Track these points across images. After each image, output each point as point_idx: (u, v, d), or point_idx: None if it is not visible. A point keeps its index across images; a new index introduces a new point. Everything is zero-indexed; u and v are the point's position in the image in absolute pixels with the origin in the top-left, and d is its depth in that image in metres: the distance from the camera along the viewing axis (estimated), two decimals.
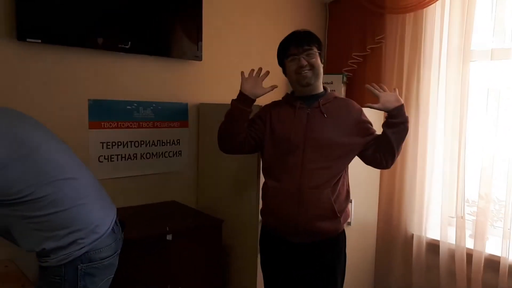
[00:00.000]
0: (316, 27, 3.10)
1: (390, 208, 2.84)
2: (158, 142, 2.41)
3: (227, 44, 2.65)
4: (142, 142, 2.34)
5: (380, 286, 2.91)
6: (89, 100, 2.13)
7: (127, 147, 2.29)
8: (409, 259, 2.75)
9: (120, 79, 2.23)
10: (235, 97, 1.76)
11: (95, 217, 1.40)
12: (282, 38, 1.79)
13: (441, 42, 2.57)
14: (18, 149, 1.27)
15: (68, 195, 1.35)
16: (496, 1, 2.34)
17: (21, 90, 1.92)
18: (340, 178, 1.74)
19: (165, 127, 2.43)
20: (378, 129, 1.81)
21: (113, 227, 1.46)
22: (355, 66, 2.96)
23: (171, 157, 2.47)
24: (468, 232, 2.51)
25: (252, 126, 1.79)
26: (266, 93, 1.76)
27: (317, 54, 1.73)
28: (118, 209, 1.56)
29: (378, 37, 2.80)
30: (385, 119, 1.75)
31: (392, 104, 1.71)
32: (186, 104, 2.51)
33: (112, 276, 1.49)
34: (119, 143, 2.26)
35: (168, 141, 2.45)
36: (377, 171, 2.76)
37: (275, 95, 1.88)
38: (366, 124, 1.78)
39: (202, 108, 2.55)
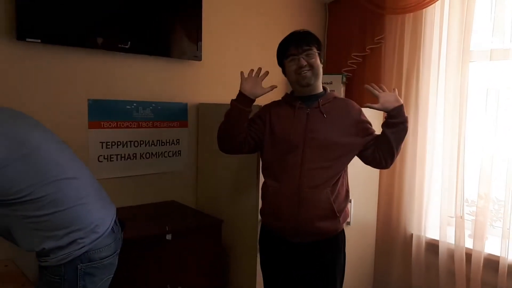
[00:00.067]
0: (315, 27, 3.10)
1: (389, 208, 2.84)
2: (158, 142, 2.41)
3: (226, 44, 2.65)
4: (141, 142, 2.34)
5: (380, 285, 2.91)
6: (88, 100, 2.14)
7: (127, 147, 2.29)
8: (408, 259, 2.75)
9: (119, 79, 2.24)
10: (234, 97, 1.76)
11: (95, 217, 1.40)
12: (282, 38, 1.79)
13: (440, 42, 2.57)
14: (18, 149, 1.27)
15: (67, 195, 1.35)
16: (496, 2, 2.34)
17: (20, 90, 1.93)
18: (339, 178, 1.74)
19: (165, 127, 2.43)
20: (377, 129, 1.81)
21: (112, 227, 1.46)
22: (354, 66, 2.96)
23: (170, 157, 2.47)
24: (467, 232, 2.51)
25: (252, 126, 1.80)
26: (265, 93, 1.76)
27: (317, 54, 1.73)
28: (117, 209, 1.56)
29: (378, 38, 2.80)
30: (384, 119, 1.76)
31: (392, 104, 1.71)
32: (186, 104, 2.51)
33: (112, 275, 1.49)
34: (119, 143, 2.26)
35: (168, 141, 2.46)
36: (377, 171, 2.77)
37: (275, 95, 1.88)
38: (365, 124, 1.78)
39: (202, 108, 2.55)
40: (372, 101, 1.77)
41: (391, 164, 1.79)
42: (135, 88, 2.30)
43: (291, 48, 1.72)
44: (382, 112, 1.99)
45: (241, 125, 1.75)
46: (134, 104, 2.30)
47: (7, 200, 1.27)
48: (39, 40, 1.88)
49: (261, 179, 1.89)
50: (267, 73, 1.78)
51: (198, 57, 2.45)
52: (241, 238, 2.26)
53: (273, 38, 2.03)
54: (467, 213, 2.55)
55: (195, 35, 2.42)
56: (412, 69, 2.69)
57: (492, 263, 2.37)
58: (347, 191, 1.81)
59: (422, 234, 2.68)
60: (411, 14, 2.66)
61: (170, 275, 2.00)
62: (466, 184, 2.49)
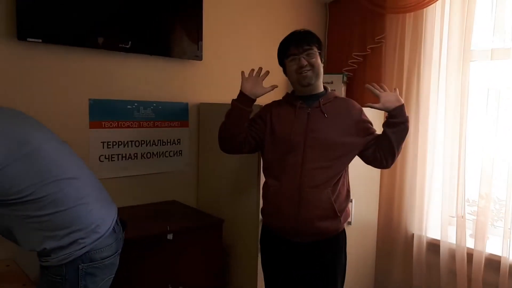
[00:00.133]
0: (316, 27, 3.10)
1: (390, 207, 2.84)
2: (159, 141, 2.41)
3: (227, 43, 2.65)
4: (142, 142, 2.35)
5: (381, 285, 2.91)
6: (89, 99, 2.14)
7: (128, 146, 2.29)
8: (409, 258, 2.75)
9: (120, 78, 2.24)
10: (235, 96, 1.76)
11: (96, 217, 1.40)
12: (282, 38, 1.79)
13: (441, 42, 2.57)
14: (19, 149, 1.27)
15: (68, 195, 1.35)
16: (496, 1, 2.34)
17: (21, 89, 1.93)
18: (340, 177, 1.74)
19: (166, 127, 2.43)
20: (378, 129, 1.81)
21: (114, 227, 1.46)
22: (355, 66, 2.96)
23: (171, 156, 2.47)
24: (468, 231, 2.51)
25: (253, 125, 1.80)
26: (266, 92, 1.76)
27: (317, 53, 1.73)
28: (118, 209, 1.56)
29: (378, 37, 2.80)
30: (385, 119, 1.76)
31: (393, 104, 1.71)
32: (187, 104, 2.51)
33: (113, 275, 1.50)
34: (120, 143, 2.26)
35: (169, 140, 2.46)
36: (378, 170, 2.77)
37: (276, 95, 1.88)
38: (366, 124, 1.78)
39: (203, 107, 2.55)
40: (373, 100, 1.77)
41: (392, 164, 1.79)
42: (136, 88, 2.30)
43: (292, 47, 1.72)
44: (383, 111, 1.99)
45: (241, 125, 1.75)
46: (135, 104, 2.30)
47: (8, 200, 1.27)
48: (40, 40, 1.88)
49: (262, 178, 1.89)
50: (267, 72, 1.78)
51: (198, 57, 2.45)
52: (242, 238, 2.26)
53: (273, 37, 2.03)
54: (468, 213, 2.55)
55: (196, 35, 2.42)
56: (413, 68, 2.69)
57: (493, 263, 2.37)
58: (348, 191, 1.81)
59: (423, 234, 2.68)
60: (412, 13, 2.65)
61: (171, 275, 2.00)
62: (467, 184, 2.48)
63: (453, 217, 2.53)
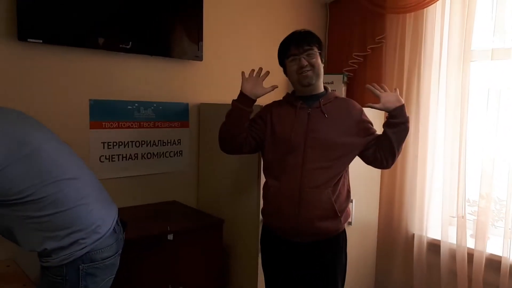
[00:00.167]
0: (316, 27, 3.10)
1: (391, 207, 2.84)
2: (159, 142, 2.41)
3: (227, 44, 2.65)
4: (143, 142, 2.35)
5: (381, 285, 2.91)
6: (90, 100, 2.14)
7: (128, 147, 2.29)
8: (410, 259, 2.75)
9: (121, 79, 2.24)
10: (235, 97, 1.76)
11: (96, 217, 1.40)
12: (283, 38, 1.79)
13: (441, 42, 2.57)
14: (19, 150, 1.27)
15: (69, 195, 1.35)
16: (497, 1, 2.34)
17: (22, 90, 1.93)
18: (340, 178, 1.74)
19: (166, 127, 2.43)
20: (378, 129, 1.81)
21: (114, 227, 1.46)
22: (355, 66, 2.96)
23: (172, 157, 2.47)
24: (469, 231, 2.50)
25: (253, 126, 1.80)
26: (266, 93, 1.76)
27: (318, 54, 1.73)
28: (119, 209, 1.56)
29: (379, 37, 2.80)
30: (385, 119, 1.76)
31: (393, 104, 1.71)
32: (187, 104, 2.51)
33: (114, 276, 1.49)
34: (120, 143, 2.26)
35: (169, 141, 2.46)
36: (378, 170, 2.76)
37: (276, 95, 1.88)
38: (366, 124, 1.78)
39: (203, 108, 2.55)
40: (374, 101, 1.77)
41: (392, 164, 1.79)
42: (136, 88, 2.30)
43: (292, 48, 1.72)
44: (383, 112, 1.99)
45: (242, 125, 1.75)
46: (136, 104, 2.30)
47: (8, 200, 1.27)
48: (41, 41, 1.88)
49: (262, 179, 1.89)
50: (267, 73, 1.78)
51: (199, 57, 2.45)
52: (242, 238, 2.26)
53: (274, 38, 2.03)
54: (468, 213, 2.54)
55: (196, 35, 2.42)
56: (413, 68, 2.69)
57: (494, 263, 2.36)
58: (348, 191, 1.81)
59: (424, 234, 2.68)
60: (412, 13, 2.65)
61: (171, 275, 2.00)
62: (467, 184, 2.48)
63: (453, 217, 2.53)
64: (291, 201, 1.69)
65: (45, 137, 1.39)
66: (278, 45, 1.80)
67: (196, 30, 2.42)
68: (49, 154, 1.34)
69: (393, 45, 2.77)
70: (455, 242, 2.50)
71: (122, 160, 2.27)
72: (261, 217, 1.93)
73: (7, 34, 1.86)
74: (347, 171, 1.81)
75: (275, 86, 1.78)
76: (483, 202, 2.39)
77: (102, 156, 2.19)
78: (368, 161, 1.81)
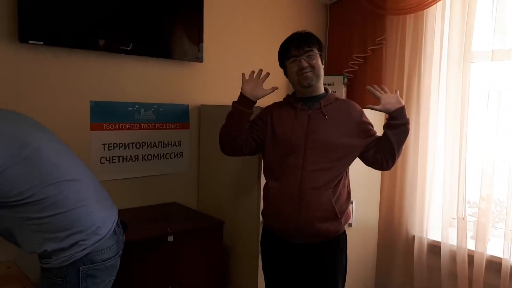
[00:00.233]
0: (317, 29, 3.10)
1: (391, 209, 2.84)
2: (159, 143, 2.41)
3: (228, 45, 2.65)
4: (143, 144, 2.35)
5: (381, 287, 2.91)
6: (90, 101, 2.14)
7: (129, 148, 2.29)
8: (410, 260, 2.75)
9: (121, 80, 2.24)
10: (236, 98, 1.76)
11: (97, 219, 1.40)
12: (283, 40, 1.79)
13: (441, 43, 2.57)
14: (19, 151, 1.27)
15: (69, 196, 1.35)
16: (497, 2, 2.34)
17: (23, 91, 1.93)
18: (340, 179, 1.74)
19: (166, 129, 2.44)
20: (379, 131, 1.81)
21: (114, 229, 1.46)
22: (355, 67, 2.96)
23: (172, 158, 2.47)
24: (469, 233, 2.50)
25: (253, 127, 1.80)
26: (266, 94, 1.76)
27: (318, 55, 1.73)
28: (119, 211, 1.56)
29: (379, 38, 2.80)
30: (386, 121, 1.76)
31: (393, 106, 1.71)
32: (187, 106, 2.52)
33: (114, 277, 1.49)
34: (121, 145, 2.26)
35: (169, 142, 2.46)
36: (378, 172, 2.76)
37: (276, 96, 1.88)
38: (367, 126, 1.78)
39: (203, 109, 2.56)
40: (374, 102, 1.77)
41: (392, 165, 1.78)
42: (136, 89, 2.30)
43: (292, 49, 1.72)
44: (383, 113, 1.99)
45: (242, 127, 1.75)
46: (136, 106, 2.30)
47: (8, 202, 1.27)
48: (41, 42, 1.89)
49: (263, 180, 1.89)
50: (268, 74, 1.78)
51: (199, 59, 2.46)
52: (243, 240, 2.26)
53: (274, 39, 2.03)
54: (469, 215, 2.54)
55: (197, 37, 2.43)
56: (413, 69, 2.69)
57: (494, 264, 2.36)
58: (349, 193, 1.81)
59: (424, 235, 2.68)
60: (412, 14, 2.66)
61: (171, 277, 2.00)
62: (468, 185, 2.48)
63: (454, 218, 2.53)
64: (292, 202, 1.69)
65: (45, 138, 1.39)
66: (278, 46, 1.80)
67: (196, 31, 2.42)
68: (49, 156, 1.34)
69: (394, 46, 2.77)
70: (455, 244, 2.50)
71: (123, 161, 2.27)
72: (261, 218, 1.93)
73: (8, 35, 1.86)
74: (347, 173, 1.81)
75: (275, 88, 1.78)
76: (484, 204, 2.39)
77: (102, 157, 2.20)
78: (368, 162, 1.81)
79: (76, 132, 2.09)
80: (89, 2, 2.01)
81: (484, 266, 2.38)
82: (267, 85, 1.77)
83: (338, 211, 1.71)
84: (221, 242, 2.21)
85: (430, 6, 2.52)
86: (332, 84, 2.84)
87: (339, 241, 1.80)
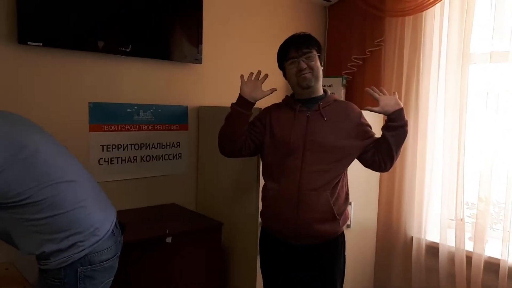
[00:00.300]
0: (316, 30, 3.11)
1: (389, 210, 2.84)
2: (158, 144, 2.42)
3: (227, 47, 2.66)
4: (142, 145, 2.35)
5: None
6: (89, 103, 2.14)
7: (127, 149, 2.29)
8: (408, 261, 2.75)
9: (120, 82, 2.24)
10: (234, 100, 1.76)
11: (95, 220, 1.40)
12: (282, 41, 1.79)
13: (440, 44, 2.58)
14: (16, 153, 1.27)
15: (67, 197, 1.35)
16: (495, 4, 2.35)
17: (22, 93, 1.93)
18: (339, 180, 1.74)
19: (165, 130, 2.44)
20: (377, 132, 1.81)
21: (113, 230, 1.46)
22: (354, 69, 2.97)
23: (171, 159, 2.47)
24: (467, 234, 2.51)
25: (252, 129, 1.80)
26: (265, 96, 1.76)
27: (317, 56, 1.73)
28: (118, 212, 1.56)
29: (378, 40, 2.81)
30: (384, 123, 1.76)
31: (392, 108, 1.71)
32: (186, 107, 2.52)
33: (112, 278, 1.49)
34: (119, 146, 2.26)
35: (168, 143, 2.46)
36: (377, 173, 2.77)
37: (275, 98, 1.88)
38: (365, 127, 1.79)
39: (202, 111, 2.56)
40: (373, 104, 1.77)
41: (390, 167, 1.79)
42: (135, 91, 2.30)
43: (291, 51, 1.73)
44: (382, 115, 1.99)
45: (241, 129, 1.75)
46: (135, 107, 2.30)
47: (6, 203, 1.27)
48: (41, 44, 1.89)
49: (261, 181, 1.89)
50: (266, 76, 1.78)
51: (198, 60, 2.46)
52: (241, 241, 2.26)
53: (273, 41, 2.03)
54: (467, 216, 2.55)
55: (196, 38, 2.43)
56: (412, 71, 2.70)
57: (492, 266, 2.37)
58: (347, 194, 1.82)
59: (422, 237, 2.68)
60: (411, 16, 2.66)
61: (170, 278, 2.00)
62: (466, 187, 2.49)
63: (452, 220, 2.54)
64: (290, 203, 1.69)
65: (43, 139, 1.39)
66: (277, 48, 1.80)
67: (195, 33, 2.42)
68: (47, 157, 1.34)
69: (392, 48, 2.78)
70: (453, 245, 2.50)
71: (121, 162, 2.27)
72: (260, 219, 1.93)
73: (7, 37, 1.86)
74: (345, 174, 1.81)
75: (274, 89, 1.78)
76: (482, 205, 2.39)
77: (101, 158, 2.20)
78: (366, 164, 1.82)
79: (75, 133, 2.09)
80: (88, 4, 2.01)
81: (482, 267, 2.39)
82: (266, 86, 1.77)
83: (336, 212, 1.71)
84: (220, 243, 2.21)
85: (428, 8, 2.53)
86: (331, 85, 2.85)
87: (338, 242, 1.80)
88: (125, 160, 2.29)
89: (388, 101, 1.74)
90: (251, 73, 1.78)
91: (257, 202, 2.07)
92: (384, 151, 1.73)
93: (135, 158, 2.33)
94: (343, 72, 2.97)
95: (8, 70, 1.89)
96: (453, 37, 2.49)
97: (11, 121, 1.36)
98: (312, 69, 1.71)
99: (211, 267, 2.17)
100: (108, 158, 2.22)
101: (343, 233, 1.83)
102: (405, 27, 2.70)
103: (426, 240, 2.68)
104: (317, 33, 3.10)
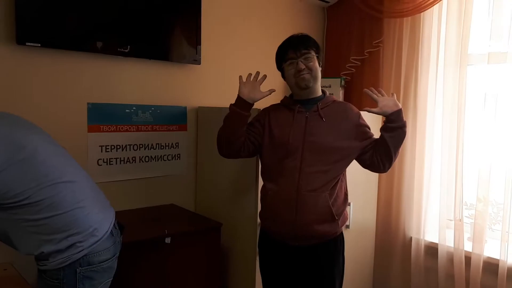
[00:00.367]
0: (314, 31, 3.11)
1: (388, 211, 2.84)
2: (157, 145, 2.42)
3: (225, 48, 2.66)
4: (140, 146, 2.35)
5: None
6: (88, 103, 2.14)
7: (126, 150, 2.29)
8: (407, 262, 2.75)
9: (119, 82, 2.24)
10: (233, 100, 1.76)
11: (93, 220, 1.40)
12: (281, 42, 1.79)
13: (438, 45, 2.58)
14: (15, 153, 1.27)
15: (65, 198, 1.35)
16: (493, 5, 2.35)
17: (20, 93, 1.93)
18: (338, 181, 1.74)
19: (164, 131, 2.44)
20: (376, 133, 1.82)
21: (111, 230, 1.46)
22: (353, 70, 2.97)
23: (169, 160, 2.47)
24: (466, 235, 2.51)
25: (251, 129, 1.80)
26: (264, 97, 1.76)
27: (315, 57, 1.73)
28: (116, 212, 1.56)
29: (376, 41, 2.81)
30: (383, 123, 1.76)
31: (390, 109, 1.72)
32: (185, 108, 2.52)
33: (111, 279, 1.49)
34: (118, 147, 2.26)
35: (167, 144, 2.46)
36: (376, 173, 2.77)
37: (274, 99, 1.89)
38: (364, 128, 1.79)
39: (201, 111, 2.56)
40: (371, 105, 1.78)
41: (389, 168, 1.79)
42: (134, 91, 2.30)
43: (290, 52, 1.73)
44: (381, 116, 2.00)
45: (240, 130, 1.75)
46: (133, 108, 2.30)
47: (5, 204, 1.27)
48: (39, 44, 1.89)
49: (260, 182, 1.89)
50: (265, 76, 1.78)
51: (197, 61, 2.46)
52: (240, 242, 2.26)
53: (272, 42, 2.04)
54: (466, 216, 2.55)
55: (194, 39, 2.43)
56: (410, 72, 2.70)
57: (491, 266, 2.37)
58: (346, 194, 1.82)
59: (421, 237, 2.68)
60: (409, 17, 2.67)
61: (169, 279, 2.00)
62: (464, 187, 2.49)
63: (451, 220, 2.54)
64: (289, 204, 1.69)
65: (42, 140, 1.39)
66: (276, 49, 1.80)
67: (194, 34, 2.43)
68: (46, 157, 1.34)
69: (391, 49, 2.78)
70: (452, 245, 2.51)
71: (120, 163, 2.27)
72: (258, 220, 1.93)
73: (6, 37, 1.86)
74: (344, 174, 1.82)
75: (272, 90, 1.78)
76: (481, 205, 2.40)
77: (100, 159, 2.19)
78: (365, 165, 1.82)
79: (74, 134, 2.09)
80: (87, 4, 2.01)
81: (481, 268, 2.39)
82: (264, 87, 1.77)
83: (335, 213, 1.71)
84: (219, 244, 2.21)
85: (426, 9, 2.53)
86: (330, 86, 2.85)
87: (337, 243, 1.80)
88: (123, 160, 2.29)
89: (386, 102, 1.74)
90: (250, 74, 1.78)
91: (256, 203, 2.08)
92: (383, 152, 1.74)
93: (134, 158, 2.33)
94: (342, 73, 2.98)
95: (6, 71, 1.89)
96: (451, 38, 2.50)
97: (10, 122, 1.36)
98: (310, 69, 1.71)
99: (210, 267, 2.17)
100: (107, 159, 2.22)
101: (342, 234, 1.83)
102: (404, 28, 2.71)
103: (425, 240, 2.68)
104: (316, 34, 3.10)
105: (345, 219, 1.82)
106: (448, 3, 2.50)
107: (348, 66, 2.96)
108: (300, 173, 1.69)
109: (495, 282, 2.34)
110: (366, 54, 2.88)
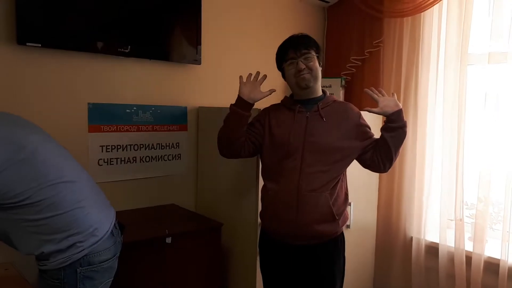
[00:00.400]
0: (314, 31, 3.12)
1: (389, 211, 2.84)
2: (158, 145, 2.42)
3: (226, 48, 2.66)
4: (141, 146, 2.35)
5: None
6: (88, 103, 2.14)
7: (127, 150, 2.30)
8: (408, 262, 2.75)
9: (119, 83, 2.24)
10: (233, 100, 1.76)
11: (94, 220, 1.40)
12: (281, 42, 1.79)
13: (438, 45, 2.58)
14: (15, 153, 1.27)
15: (66, 198, 1.35)
16: (493, 5, 2.35)
17: (20, 94, 1.93)
18: (338, 181, 1.74)
19: (165, 131, 2.44)
20: (376, 133, 1.82)
21: (112, 230, 1.46)
22: (353, 70, 2.97)
23: (170, 160, 2.48)
24: (467, 234, 2.51)
25: (251, 130, 1.80)
26: (264, 97, 1.76)
27: (315, 57, 1.73)
28: (117, 212, 1.56)
29: (376, 41, 2.81)
30: (383, 123, 1.76)
31: (391, 109, 1.72)
32: (185, 108, 2.52)
33: (112, 279, 1.49)
34: (119, 147, 2.26)
35: (167, 144, 2.46)
36: (376, 173, 2.77)
37: (274, 99, 1.89)
38: (364, 128, 1.79)
39: (201, 111, 2.56)
40: (372, 105, 1.78)
41: (389, 168, 1.79)
42: (135, 92, 2.30)
43: (290, 52, 1.73)
44: (381, 116, 2.00)
45: (240, 130, 1.75)
46: (134, 108, 2.31)
47: (5, 204, 1.27)
48: (40, 45, 1.89)
49: (261, 182, 1.89)
50: (265, 76, 1.78)
51: (197, 61, 2.46)
52: (241, 241, 2.26)
53: (272, 42, 2.04)
54: (466, 216, 2.55)
55: (195, 39, 2.43)
56: (410, 72, 2.70)
57: (492, 266, 2.37)
58: (346, 194, 1.82)
59: (422, 237, 2.68)
60: (410, 17, 2.67)
61: (169, 279, 2.00)
62: (465, 187, 2.49)
63: (451, 220, 2.54)
64: (289, 204, 1.69)
65: (42, 140, 1.39)
66: (276, 49, 1.80)
67: (194, 34, 2.43)
68: (46, 157, 1.34)
69: (391, 49, 2.78)
70: (453, 245, 2.51)
71: (121, 163, 2.27)
72: (259, 220, 1.93)
73: (6, 38, 1.86)
74: (344, 174, 1.82)
75: (272, 90, 1.78)
76: (481, 205, 2.40)
77: (100, 159, 2.20)
78: (365, 164, 1.82)
79: (74, 134, 2.09)
80: (87, 5, 2.02)
81: (482, 268, 2.39)
82: (264, 87, 1.77)
83: (336, 213, 1.71)
84: (220, 244, 2.21)
85: (427, 9, 2.54)
86: (330, 86, 2.85)
87: (337, 242, 1.80)
88: (124, 160, 2.29)
89: (387, 102, 1.74)
90: (250, 74, 1.78)
91: (257, 203, 2.08)
92: (383, 152, 1.74)
93: (134, 158, 2.33)
94: (342, 73, 2.98)
95: (7, 71, 1.89)
96: (451, 38, 2.50)
97: (10, 122, 1.36)
98: (311, 69, 1.71)
99: (210, 267, 2.17)
100: (108, 159, 2.22)
101: (342, 234, 1.83)
102: (404, 28, 2.71)
103: (425, 240, 2.68)
104: (316, 34, 3.10)
105: (346, 219, 1.82)
106: (448, 3, 2.50)
107: (348, 66, 2.96)
108: (300, 173, 1.69)
109: (496, 282, 2.34)
110: (366, 54, 2.88)
